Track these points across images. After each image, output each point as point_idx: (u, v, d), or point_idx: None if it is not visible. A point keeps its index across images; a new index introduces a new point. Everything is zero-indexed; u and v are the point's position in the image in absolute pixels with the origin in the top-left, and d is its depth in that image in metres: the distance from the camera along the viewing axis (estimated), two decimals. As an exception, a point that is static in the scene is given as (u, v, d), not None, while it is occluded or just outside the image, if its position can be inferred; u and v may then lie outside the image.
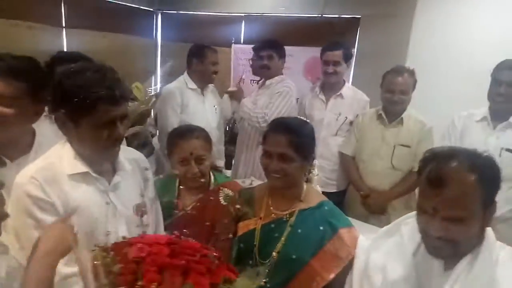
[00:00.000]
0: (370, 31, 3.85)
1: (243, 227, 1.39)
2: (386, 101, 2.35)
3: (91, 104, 1.03)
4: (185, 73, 2.79)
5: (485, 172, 0.97)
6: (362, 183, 2.45)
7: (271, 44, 2.77)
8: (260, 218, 1.37)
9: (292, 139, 1.29)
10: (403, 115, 2.35)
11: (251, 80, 4.11)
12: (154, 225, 1.39)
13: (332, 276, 1.25)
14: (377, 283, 1.13)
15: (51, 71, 1.60)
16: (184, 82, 2.75)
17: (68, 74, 1.07)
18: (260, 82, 2.92)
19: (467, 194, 0.95)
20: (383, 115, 2.39)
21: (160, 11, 5.11)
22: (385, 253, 1.16)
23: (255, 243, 1.35)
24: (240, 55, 4.75)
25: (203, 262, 0.81)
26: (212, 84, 2.91)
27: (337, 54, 2.61)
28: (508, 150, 2.12)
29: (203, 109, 2.75)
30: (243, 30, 4.73)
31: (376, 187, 2.41)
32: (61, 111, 1.07)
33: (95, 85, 1.04)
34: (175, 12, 5.04)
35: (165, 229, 1.60)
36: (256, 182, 2.39)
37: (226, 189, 1.62)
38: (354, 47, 3.88)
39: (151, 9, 5.03)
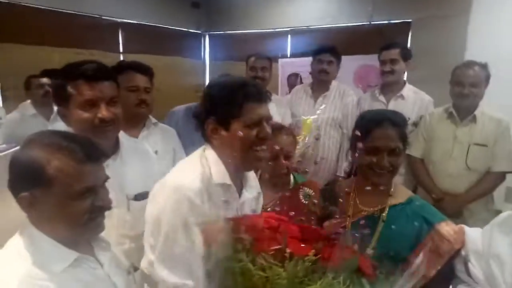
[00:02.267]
0: (423, 34, 3.75)
1: (330, 226, 1.33)
2: (456, 96, 2.22)
3: (240, 104, 1.09)
4: None
5: None
6: (434, 186, 2.30)
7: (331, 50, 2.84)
8: (349, 216, 1.32)
9: (400, 131, 1.28)
10: (476, 112, 2.21)
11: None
12: None
13: (434, 273, 1.17)
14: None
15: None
16: None
17: (213, 83, 1.16)
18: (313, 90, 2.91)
19: None
20: (454, 112, 2.26)
21: (208, 33, 5.30)
22: None
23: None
24: (287, 69, 4.78)
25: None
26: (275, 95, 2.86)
27: (394, 52, 2.55)
28: None
29: None
30: (289, 44, 4.78)
31: (450, 190, 2.25)
32: (211, 118, 1.12)
33: (241, 86, 1.10)
34: (222, 32, 5.20)
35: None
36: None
37: (306, 188, 1.60)
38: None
39: (199, 31, 5.24)
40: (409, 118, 2.59)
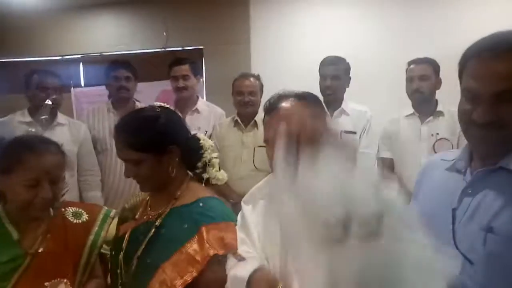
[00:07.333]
0: (214, 59, 4.03)
1: (121, 230, 1.23)
2: (238, 104, 2.41)
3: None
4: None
5: None
6: (231, 191, 2.38)
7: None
8: (135, 219, 1.21)
9: (125, 140, 1.15)
10: (256, 118, 2.44)
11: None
12: None
13: (181, 282, 1.03)
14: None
15: None
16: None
17: None
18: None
19: None
20: (239, 120, 2.43)
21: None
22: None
23: (122, 248, 1.17)
24: (82, 99, 4.36)
25: None
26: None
27: (185, 68, 2.61)
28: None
29: None
30: (82, 72, 4.38)
31: (243, 192, 2.36)
32: None
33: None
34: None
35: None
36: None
37: (69, 207, 1.33)
38: (202, 76, 3.98)
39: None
40: (206, 131, 2.68)
